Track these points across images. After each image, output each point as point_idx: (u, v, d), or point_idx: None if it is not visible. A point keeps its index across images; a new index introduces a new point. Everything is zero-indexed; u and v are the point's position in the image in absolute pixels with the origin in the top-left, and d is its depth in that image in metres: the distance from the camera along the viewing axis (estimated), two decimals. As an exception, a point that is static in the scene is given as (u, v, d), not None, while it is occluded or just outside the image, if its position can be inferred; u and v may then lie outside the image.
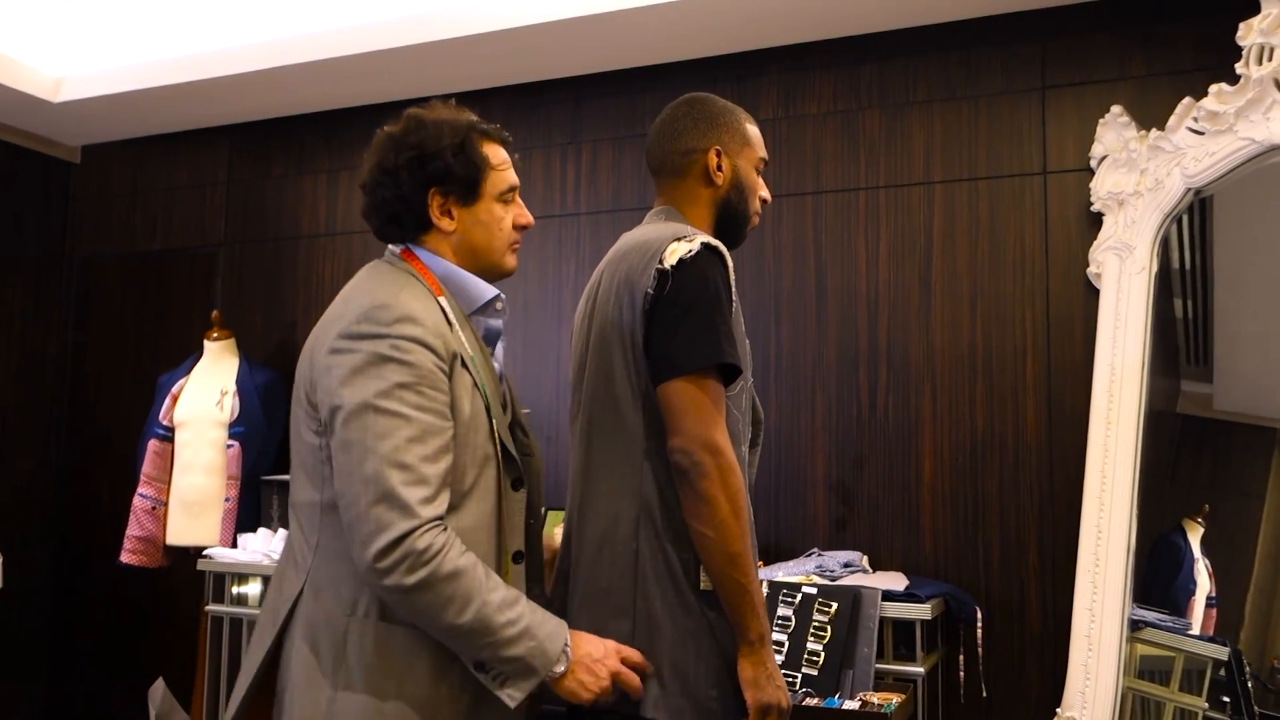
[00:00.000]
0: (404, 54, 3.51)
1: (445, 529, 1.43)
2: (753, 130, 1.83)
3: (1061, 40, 3.09)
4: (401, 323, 1.47)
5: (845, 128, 3.34)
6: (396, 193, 1.58)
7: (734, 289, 1.66)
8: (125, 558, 3.70)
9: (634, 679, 1.54)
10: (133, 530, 3.71)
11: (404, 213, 1.59)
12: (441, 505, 1.44)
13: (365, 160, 1.63)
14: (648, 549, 1.60)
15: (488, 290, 1.63)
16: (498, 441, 1.57)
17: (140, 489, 3.73)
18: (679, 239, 1.63)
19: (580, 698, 1.50)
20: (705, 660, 1.59)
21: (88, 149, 4.60)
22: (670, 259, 1.60)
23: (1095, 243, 2.94)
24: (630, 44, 3.41)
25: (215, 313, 3.90)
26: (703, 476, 1.54)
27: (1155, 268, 2.82)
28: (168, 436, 3.75)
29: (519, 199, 1.68)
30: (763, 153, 1.84)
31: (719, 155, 1.77)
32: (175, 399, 3.77)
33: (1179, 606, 2.76)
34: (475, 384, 1.54)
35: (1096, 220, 2.96)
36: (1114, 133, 2.94)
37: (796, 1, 3.10)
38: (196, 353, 3.88)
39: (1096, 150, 2.97)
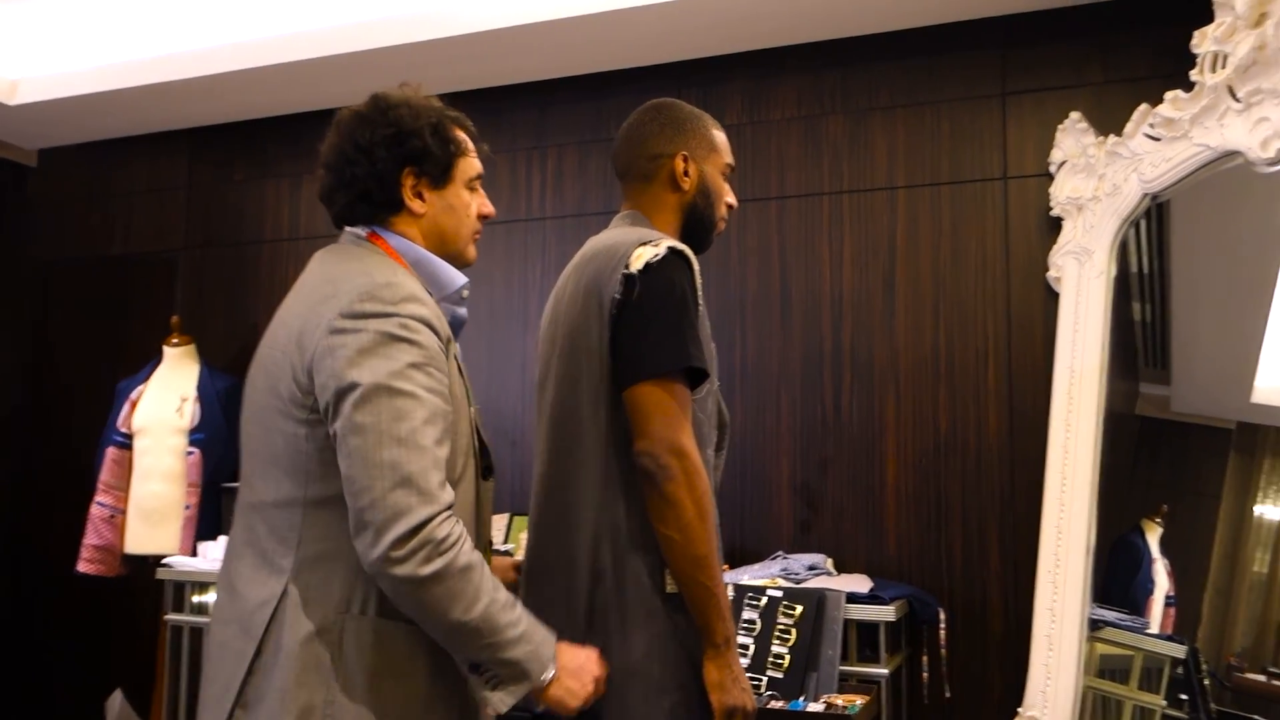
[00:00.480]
0: (367, 58, 3.49)
1: (457, 520, 1.38)
2: (719, 136, 1.83)
3: (1022, 47, 3.13)
4: (408, 302, 1.42)
5: (809, 133, 3.36)
6: (370, 169, 1.52)
7: (700, 293, 1.66)
8: (82, 566, 3.64)
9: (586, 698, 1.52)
10: (90, 539, 3.65)
11: (375, 191, 1.54)
12: (451, 492, 1.39)
13: (328, 139, 1.58)
14: (612, 553, 1.60)
15: (458, 277, 1.59)
16: (474, 430, 1.56)
17: (98, 497, 3.67)
18: (645, 243, 1.63)
19: (567, 706, 1.46)
20: (670, 665, 1.59)
21: (45, 152, 4.53)
22: (636, 263, 1.60)
23: (1055, 247, 2.98)
24: (596, 48, 3.41)
25: (175, 318, 3.85)
26: (669, 480, 1.53)
27: (1113, 272, 2.86)
28: (126, 444, 3.70)
29: (482, 190, 1.66)
30: (729, 158, 1.85)
31: (686, 161, 1.77)
32: (134, 405, 3.72)
33: (1138, 606, 2.79)
34: (460, 370, 1.53)
35: (1056, 225, 3.00)
36: (1073, 139, 2.98)
37: (762, 8, 3.11)
38: (156, 359, 3.82)
39: (1056, 156, 3.01)
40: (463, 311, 1.62)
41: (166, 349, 3.79)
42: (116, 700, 3.71)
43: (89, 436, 3.98)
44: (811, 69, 3.37)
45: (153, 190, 4.31)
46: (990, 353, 3.06)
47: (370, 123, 1.54)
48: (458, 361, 1.53)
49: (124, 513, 3.67)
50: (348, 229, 1.58)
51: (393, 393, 1.36)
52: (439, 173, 1.57)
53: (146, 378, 3.77)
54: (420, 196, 1.56)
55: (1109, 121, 2.95)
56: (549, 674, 1.44)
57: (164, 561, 3.43)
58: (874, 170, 3.27)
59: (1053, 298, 2.97)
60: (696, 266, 1.67)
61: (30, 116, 4.07)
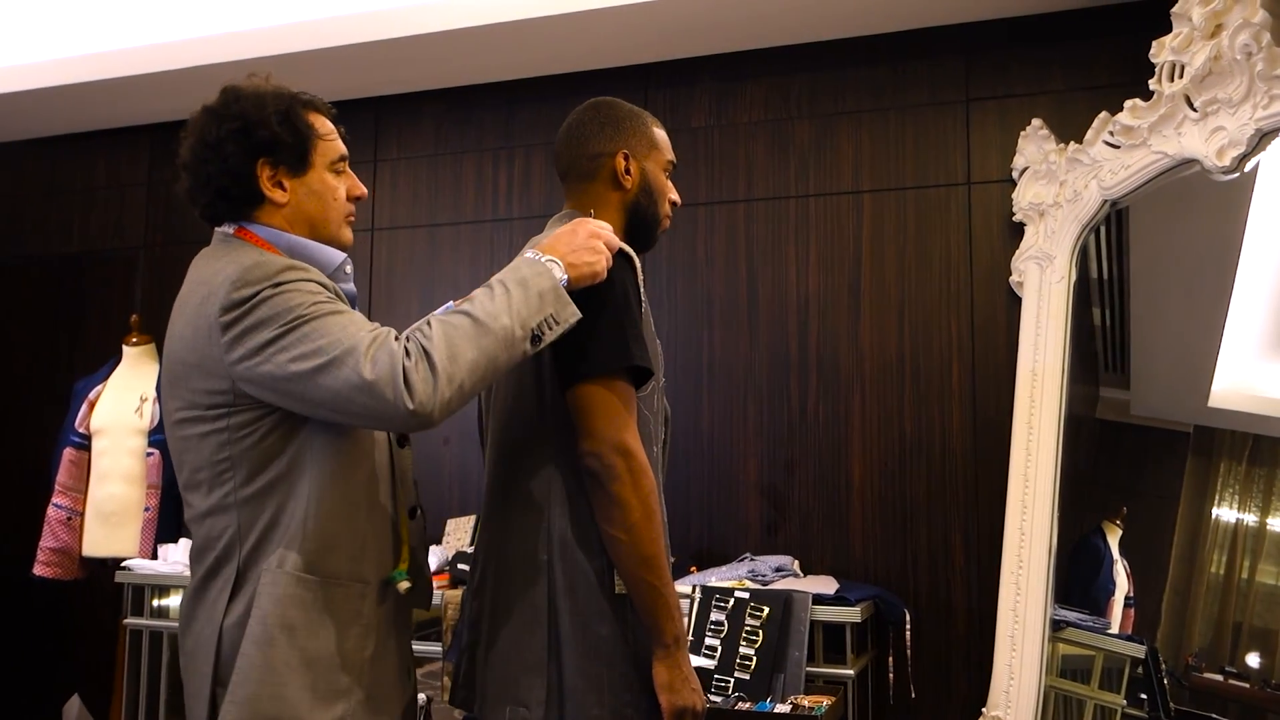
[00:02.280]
0: (333, 55, 3.46)
1: (389, 333, 1.41)
2: (660, 134, 1.82)
3: (985, 54, 3.17)
4: (281, 271, 1.43)
5: (776, 136, 3.38)
6: (222, 166, 1.51)
7: (643, 291, 1.66)
8: (39, 570, 3.57)
9: (613, 238, 1.59)
10: (46, 541, 3.58)
11: (231, 187, 1.53)
12: (376, 327, 1.43)
13: (183, 140, 1.56)
14: (560, 556, 1.59)
15: (336, 255, 1.58)
16: None
17: (55, 499, 3.61)
18: None
19: (598, 269, 1.53)
20: (619, 667, 1.58)
21: (0, 147, 4.43)
22: None
23: (1017, 252, 3.02)
24: (564, 49, 3.41)
25: (135, 317, 3.79)
26: (614, 479, 1.53)
27: (1074, 277, 2.90)
28: (84, 445, 3.64)
29: (350, 170, 1.64)
30: (670, 155, 1.83)
31: (627, 159, 1.76)
32: (92, 406, 3.66)
33: (1099, 606, 2.84)
34: None
35: (1019, 230, 3.04)
36: (1034, 145, 3.02)
37: (729, 11, 3.13)
38: (115, 358, 3.76)
39: (1018, 162, 3.05)
40: (350, 288, 1.61)
41: (126, 348, 3.73)
42: (74, 705, 3.65)
43: (46, 437, 3.91)
44: (779, 73, 3.39)
45: (113, 186, 4.23)
46: (954, 356, 3.10)
47: (218, 118, 1.53)
48: None
49: (82, 515, 3.60)
50: (217, 230, 1.58)
51: (294, 325, 1.39)
52: (295, 160, 1.55)
53: (105, 377, 3.71)
54: (280, 186, 1.55)
55: (1070, 128, 2.99)
56: (560, 272, 1.50)
57: (123, 564, 3.38)
58: (840, 174, 3.30)
59: (1015, 302, 3.01)
60: (639, 265, 1.67)
61: (-16, 111, 3.99)
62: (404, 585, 1.56)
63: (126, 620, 3.35)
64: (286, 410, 1.44)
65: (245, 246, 1.51)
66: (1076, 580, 2.84)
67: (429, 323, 1.44)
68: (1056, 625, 2.75)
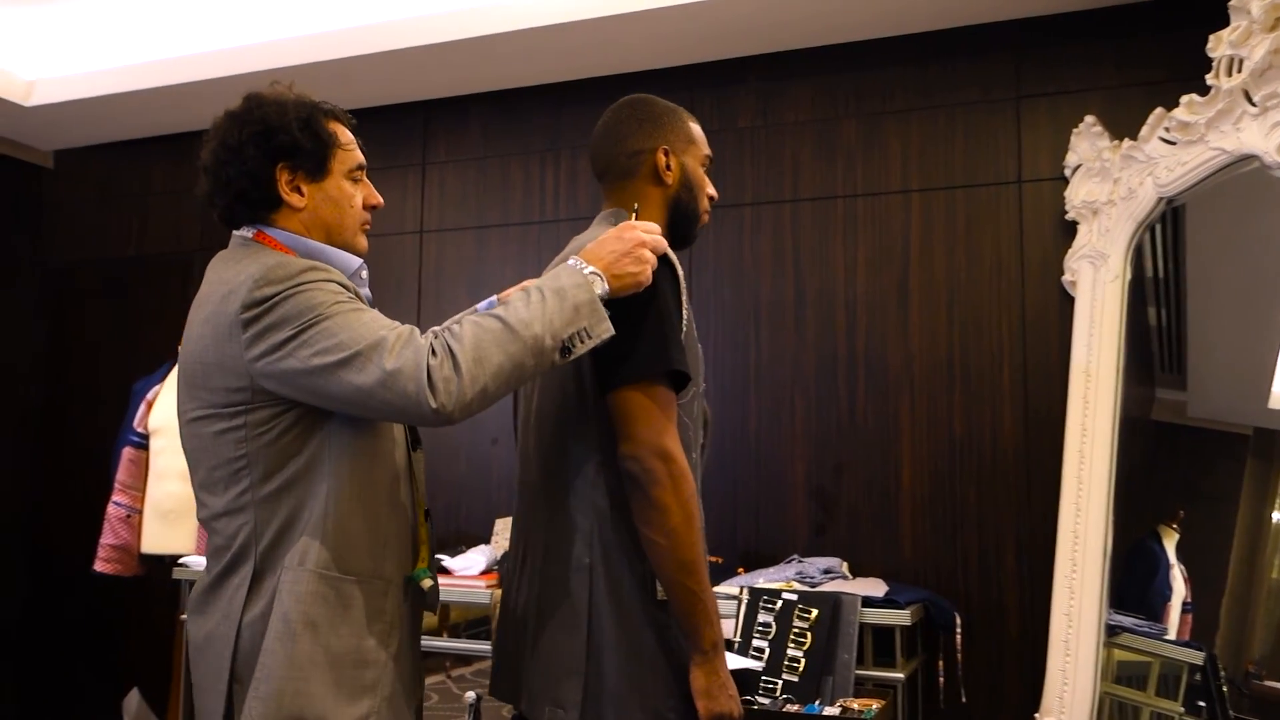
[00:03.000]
0: (383, 60, 3.51)
1: (411, 331, 1.43)
2: (696, 129, 1.82)
3: (1036, 51, 3.13)
4: (304, 272, 1.45)
5: (823, 136, 3.36)
6: (242, 169, 1.53)
7: (684, 295, 1.66)
8: (99, 566, 3.66)
9: (660, 242, 1.57)
10: (107, 538, 3.67)
11: (250, 189, 1.54)
12: (400, 326, 1.45)
13: (205, 143, 1.59)
14: (600, 561, 1.59)
15: (352, 260, 1.60)
16: None
17: (115, 497, 3.69)
18: None
19: (642, 279, 1.52)
20: (660, 672, 1.58)
21: (61, 154, 4.55)
22: None
23: (1070, 251, 2.98)
24: (610, 51, 3.42)
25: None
26: (654, 483, 1.52)
27: (1129, 276, 2.86)
28: (143, 444, 3.72)
29: (367, 179, 1.66)
30: (707, 150, 1.82)
31: (667, 154, 1.75)
32: (150, 405, 3.74)
33: (1155, 612, 2.79)
34: None
35: (1071, 228, 3.00)
36: (1087, 142, 2.98)
37: (775, 11, 3.12)
38: (171, 359, 3.83)
39: (1070, 160, 3.01)
40: (366, 292, 1.62)
41: (181, 349, 3.81)
42: (134, 699, 3.73)
43: (105, 437, 4.00)
44: (825, 72, 3.37)
45: (169, 192, 4.32)
46: (1005, 356, 3.06)
47: (240, 122, 1.55)
48: None
49: (140, 512, 3.69)
50: (235, 233, 1.60)
51: (314, 323, 1.41)
52: (314, 166, 1.57)
53: (163, 378, 3.79)
54: (299, 191, 1.57)
55: (1124, 125, 2.95)
56: (601, 286, 1.49)
57: (180, 561, 3.45)
58: (888, 174, 3.27)
59: (1068, 301, 2.97)
60: (680, 269, 1.66)
61: (46, 118, 4.09)
62: (427, 583, 1.58)
63: (184, 616, 3.41)
64: (305, 409, 1.46)
65: (264, 249, 1.53)
66: (1132, 585, 2.79)
67: (460, 322, 1.45)
68: (1111, 630, 2.71)
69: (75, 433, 4.35)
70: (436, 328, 1.45)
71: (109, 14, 3.76)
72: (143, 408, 3.74)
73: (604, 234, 1.58)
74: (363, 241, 1.64)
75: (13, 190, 4.44)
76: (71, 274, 4.49)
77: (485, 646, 2.98)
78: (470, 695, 2.86)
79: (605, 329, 1.48)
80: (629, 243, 1.54)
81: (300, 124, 1.55)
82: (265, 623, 1.45)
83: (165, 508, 3.64)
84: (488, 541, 3.41)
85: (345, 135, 1.63)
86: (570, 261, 1.53)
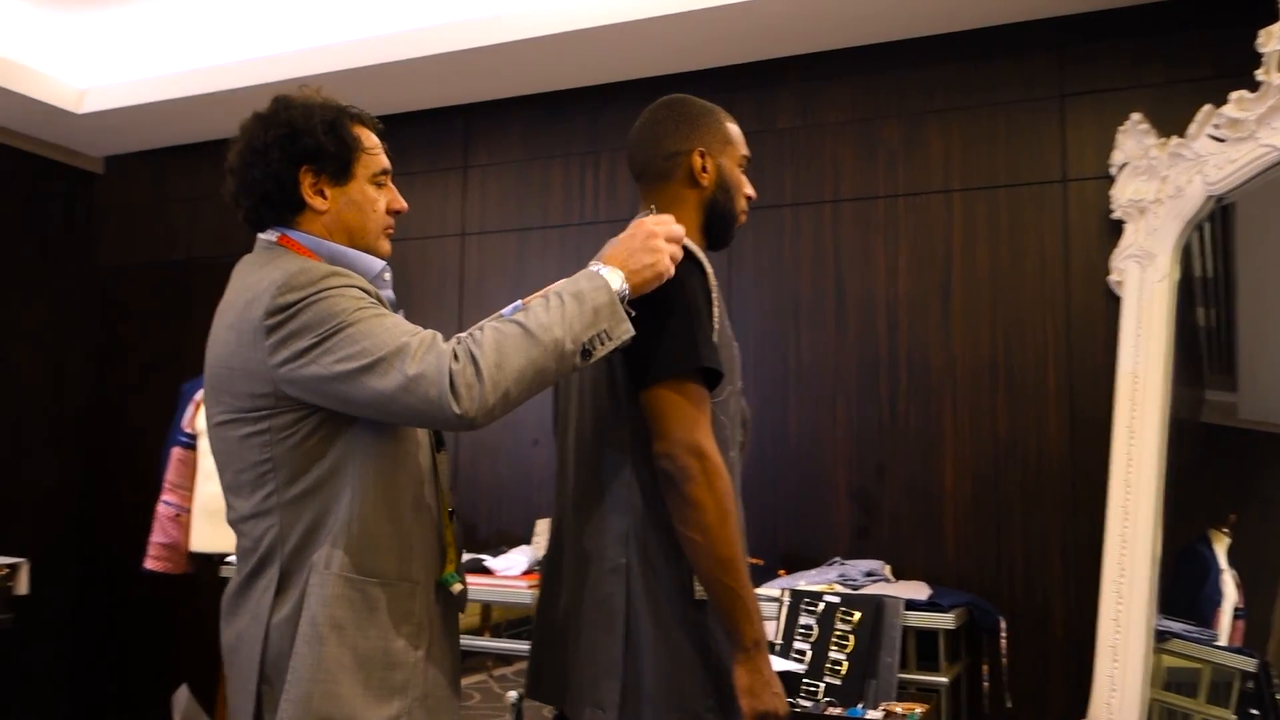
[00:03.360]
0: (423, 64, 3.54)
1: (434, 337, 1.44)
2: (733, 129, 1.81)
3: (1080, 48, 3.09)
4: (327, 278, 1.46)
5: (864, 136, 3.35)
6: (266, 171, 1.55)
7: (715, 293, 1.65)
8: (149, 564, 3.72)
9: (674, 229, 1.58)
10: (156, 537, 3.73)
11: (274, 191, 1.55)
12: (425, 332, 1.46)
13: (232, 144, 1.60)
14: (637, 562, 1.60)
15: (375, 262, 1.61)
16: None
17: (164, 496, 3.75)
18: None
19: (660, 269, 1.53)
20: (699, 671, 1.58)
21: (111, 160, 4.64)
22: None
23: (1116, 250, 2.94)
24: (649, 53, 3.43)
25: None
26: (688, 480, 1.53)
27: (1177, 275, 2.81)
28: (191, 444, 3.78)
29: (391, 184, 1.67)
30: (745, 150, 1.82)
31: (703, 156, 1.75)
32: (198, 406, 3.79)
33: (1205, 618, 2.74)
34: None
35: (1117, 228, 2.96)
36: (1134, 140, 2.94)
37: (815, 11, 3.11)
38: (219, 361, 3.89)
39: (1116, 158, 2.97)
40: (389, 294, 1.63)
41: (207, 354, 3.86)
42: (183, 695, 3.80)
43: (154, 437, 4.08)
44: (866, 72, 3.35)
45: (216, 196, 4.34)
46: (1050, 357, 3.03)
47: (266, 124, 1.57)
48: None
49: (189, 511, 3.74)
50: (260, 236, 1.61)
51: (337, 330, 1.42)
52: (338, 169, 1.58)
53: (210, 380, 3.84)
54: (322, 194, 1.57)
55: (1171, 122, 2.90)
56: (619, 282, 1.49)
57: (227, 559, 3.50)
58: (929, 173, 3.25)
59: (1114, 302, 2.93)
60: (709, 267, 1.66)
61: (97, 125, 4.18)
62: (457, 587, 1.59)
63: (230, 614, 3.46)
64: (329, 413, 1.47)
65: (288, 254, 1.54)
66: (1181, 590, 2.75)
67: (482, 328, 1.46)
68: (1161, 636, 2.67)
69: (126, 432, 4.44)
70: (460, 334, 1.46)
71: (156, 22, 3.83)
72: (191, 408, 3.80)
73: (618, 236, 1.59)
74: (385, 245, 1.65)
75: (65, 196, 4.54)
76: (121, 277, 4.58)
77: (527, 646, 3.00)
78: (512, 694, 2.88)
79: (625, 330, 1.49)
80: (641, 237, 1.54)
81: (325, 127, 1.57)
82: (293, 625, 1.46)
83: (213, 507, 3.69)
84: (529, 542, 3.43)
85: (370, 139, 1.64)
86: (591, 267, 1.54)
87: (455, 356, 1.40)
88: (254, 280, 1.50)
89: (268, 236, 1.59)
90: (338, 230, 1.59)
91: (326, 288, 1.45)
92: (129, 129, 4.25)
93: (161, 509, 3.75)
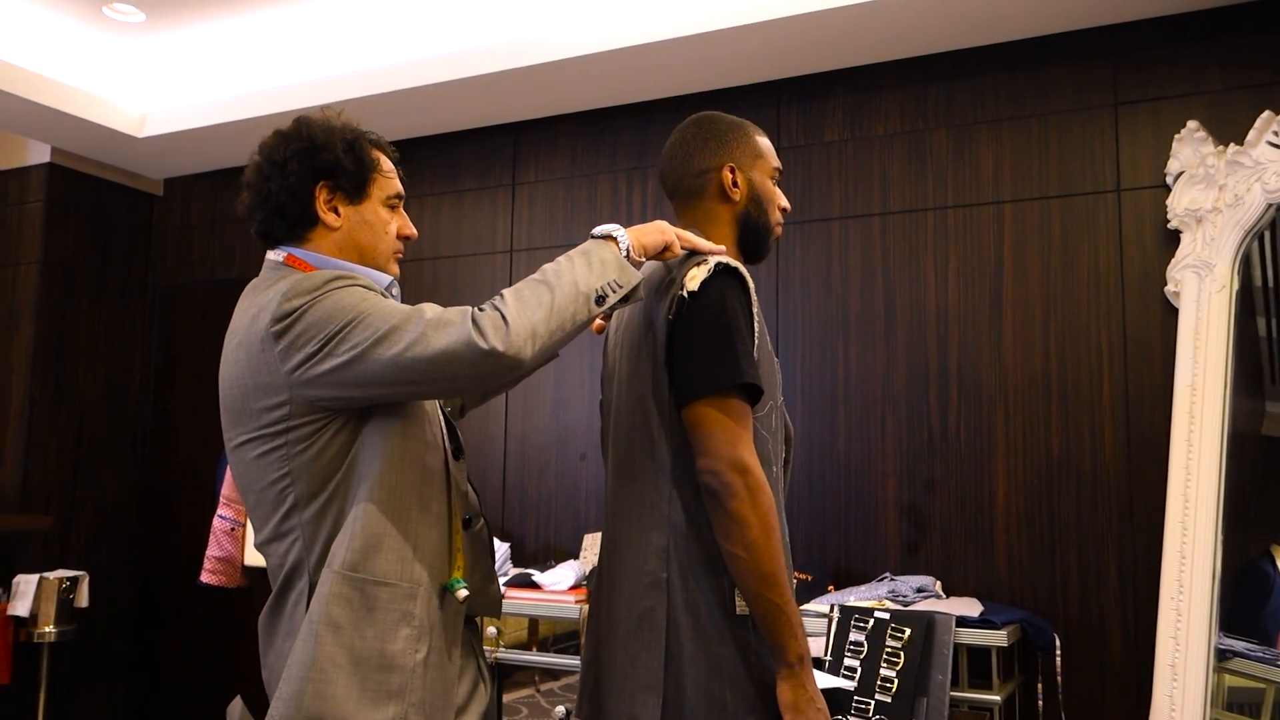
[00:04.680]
0: (473, 84, 3.58)
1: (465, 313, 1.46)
2: (763, 142, 1.82)
3: (1133, 55, 3.04)
4: (331, 280, 1.48)
5: (913, 148, 3.32)
6: (284, 184, 1.56)
7: (755, 308, 1.65)
8: (205, 578, 3.78)
9: (694, 239, 1.66)
10: (212, 550, 3.79)
11: (289, 205, 1.57)
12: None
13: (251, 158, 1.63)
14: (678, 577, 1.59)
15: (383, 277, 1.62)
16: (438, 408, 1.64)
17: (220, 510, 3.81)
18: (698, 263, 1.64)
19: (666, 240, 1.62)
20: (740, 687, 1.56)
21: (170, 181, 4.76)
22: (691, 284, 1.61)
23: (1173, 260, 2.88)
24: (696, 69, 3.44)
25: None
26: (732, 497, 1.52)
27: (1236, 285, 2.75)
28: (245, 460, 3.84)
29: (403, 211, 1.69)
30: (776, 162, 1.83)
31: (733, 171, 1.76)
32: (253, 423, 3.86)
33: (1269, 636, 2.66)
34: None
35: (1173, 238, 2.90)
36: (1190, 148, 2.88)
37: (862, 23, 3.10)
38: (273, 378, 3.96)
39: (1172, 166, 2.91)
40: None
41: (220, 380, 3.92)
42: (237, 707, 3.84)
43: (210, 452, 4.16)
44: (914, 83, 3.33)
45: (269, 216, 4.47)
46: (1105, 370, 2.97)
47: (286, 139, 1.59)
48: None
49: (244, 525, 3.80)
50: (268, 256, 1.62)
51: (354, 323, 1.43)
52: (353, 187, 1.60)
53: (264, 396, 3.91)
54: (335, 211, 1.59)
55: (1228, 130, 2.85)
56: (619, 237, 1.58)
57: (281, 574, 3.54)
58: (980, 184, 3.22)
59: (1171, 313, 2.87)
60: (750, 283, 1.66)
61: (157, 148, 4.29)
62: (462, 593, 1.56)
63: (284, 627, 3.50)
64: (343, 421, 1.48)
65: (293, 271, 1.55)
66: (1243, 607, 2.67)
67: (502, 292, 1.50)
68: (1222, 655, 2.59)
69: (182, 448, 4.53)
70: None
71: (213, 47, 3.93)
72: (246, 424, 3.86)
73: (650, 225, 1.66)
74: (394, 268, 1.67)
75: (126, 217, 4.66)
76: (178, 296, 4.69)
77: (573, 661, 3.00)
78: (559, 710, 2.88)
79: (632, 275, 1.55)
80: (652, 225, 1.64)
81: (344, 145, 1.59)
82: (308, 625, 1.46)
83: (267, 521, 3.75)
84: (576, 557, 3.43)
85: (386, 163, 1.66)
86: (594, 231, 1.62)
87: (478, 308, 1.44)
88: (259, 299, 1.52)
89: (275, 256, 1.60)
90: (349, 249, 1.61)
91: (331, 288, 1.46)
92: (187, 151, 4.35)
93: (217, 523, 3.80)
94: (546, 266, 1.53)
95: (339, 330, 1.43)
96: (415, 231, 1.70)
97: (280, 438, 1.48)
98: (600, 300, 1.51)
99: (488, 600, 1.69)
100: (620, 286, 1.53)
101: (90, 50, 3.94)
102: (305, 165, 1.57)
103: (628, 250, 1.57)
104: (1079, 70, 3.11)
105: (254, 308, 1.52)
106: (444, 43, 3.60)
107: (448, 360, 1.40)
